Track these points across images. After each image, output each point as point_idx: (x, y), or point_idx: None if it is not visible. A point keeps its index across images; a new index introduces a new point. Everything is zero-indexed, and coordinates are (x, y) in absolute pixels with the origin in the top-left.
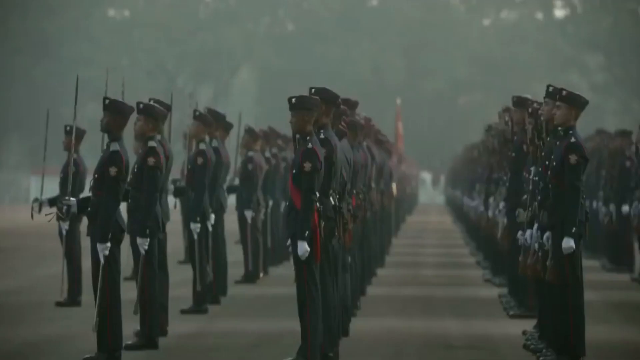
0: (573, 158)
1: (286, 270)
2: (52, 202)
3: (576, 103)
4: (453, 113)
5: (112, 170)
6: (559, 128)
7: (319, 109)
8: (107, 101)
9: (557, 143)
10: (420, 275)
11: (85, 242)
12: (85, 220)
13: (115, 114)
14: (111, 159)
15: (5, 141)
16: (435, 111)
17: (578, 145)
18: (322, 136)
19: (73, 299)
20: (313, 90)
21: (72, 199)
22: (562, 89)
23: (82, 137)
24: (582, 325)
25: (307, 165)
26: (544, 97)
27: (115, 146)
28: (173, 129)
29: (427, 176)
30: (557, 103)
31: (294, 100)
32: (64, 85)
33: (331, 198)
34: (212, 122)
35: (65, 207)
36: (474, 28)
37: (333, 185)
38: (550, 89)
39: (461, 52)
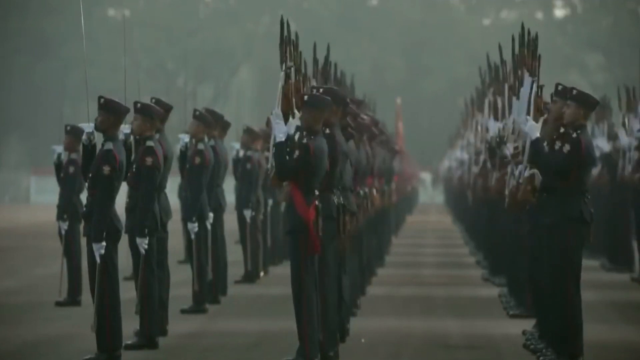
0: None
1: (286, 269)
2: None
3: (586, 103)
4: (453, 113)
5: (106, 169)
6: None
7: (329, 109)
8: (102, 100)
9: (561, 143)
10: (420, 275)
11: (85, 242)
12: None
13: (110, 113)
14: (105, 157)
15: (5, 141)
16: (435, 111)
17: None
18: (327, 131)
19: (73, 298)
20: (321, 90)
21: (90, 124)
22: (572, 88)
23: (81, 135)
24: (574, 325)
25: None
26: (553, 96)
27: (109, 145)
28: (172, 128)
29: (427, 176)
30: (568, 102)
31: (306, 97)
32: (64, 85)
33: (334, 197)
34: (212, 122)
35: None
36: (474, 28)
37: (335, 182)
38: (560, 87)
39: (461, 52)
